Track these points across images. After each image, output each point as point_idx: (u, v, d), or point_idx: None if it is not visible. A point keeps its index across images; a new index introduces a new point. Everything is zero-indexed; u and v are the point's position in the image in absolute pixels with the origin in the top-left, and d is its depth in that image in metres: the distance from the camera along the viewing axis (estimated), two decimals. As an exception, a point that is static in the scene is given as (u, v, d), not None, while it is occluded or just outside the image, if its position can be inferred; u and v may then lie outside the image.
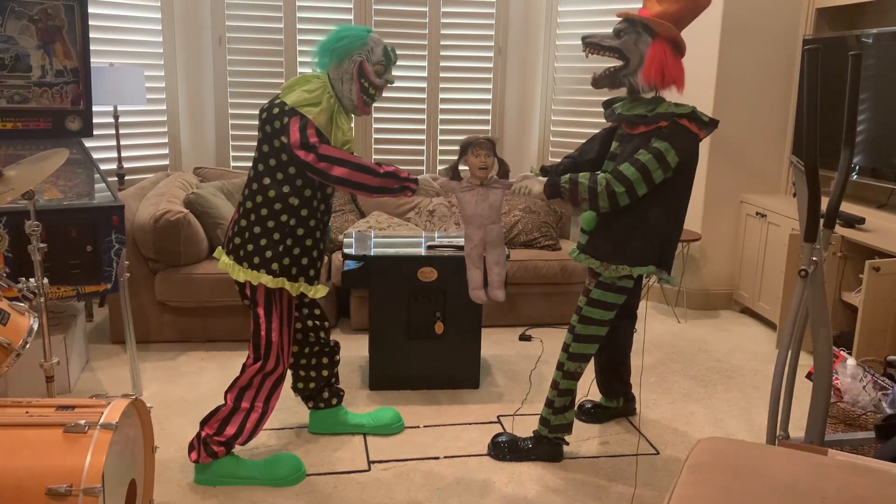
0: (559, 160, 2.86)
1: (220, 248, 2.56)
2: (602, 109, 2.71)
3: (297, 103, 2.35)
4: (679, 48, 2.46)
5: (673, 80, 2.44)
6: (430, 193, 2.54)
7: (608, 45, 2.50)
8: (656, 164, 2.38)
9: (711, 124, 2.47)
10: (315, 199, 2.45)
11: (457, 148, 2.63)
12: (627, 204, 2.43)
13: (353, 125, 2.53)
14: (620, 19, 2.50)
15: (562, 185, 2.46)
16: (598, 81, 2.56)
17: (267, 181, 2.39)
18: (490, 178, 2.53)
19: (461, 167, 2.57)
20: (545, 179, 2.51)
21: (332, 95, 2.42)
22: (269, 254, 2.41)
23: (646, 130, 2.45)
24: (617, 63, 2.51)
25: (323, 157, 2.33)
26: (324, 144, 2.35)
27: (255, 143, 2.46)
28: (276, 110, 2.36)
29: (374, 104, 4.65)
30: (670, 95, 2.49)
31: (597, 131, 2.81)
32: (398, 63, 4.74)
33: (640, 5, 2.56)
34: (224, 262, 2.48)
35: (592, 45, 2.52)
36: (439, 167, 4.98)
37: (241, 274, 2.42)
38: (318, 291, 2.54)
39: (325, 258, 3.98)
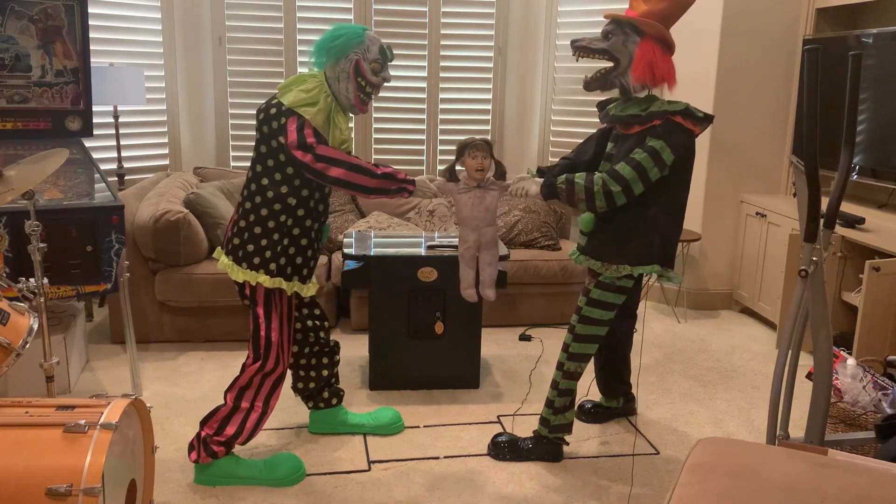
0: (557, 160, 2.86)
1: (219, 248, 2.56)
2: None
3: (294, 103, 2.35)
4: (668, 46, 2.47)
5: (664, 78, 2.46)
6: (428, 195, 2.54)
7: (597, 48, 2.51)
8: (651, 162, 2.39)
9: (706, 119, 2.47)
10: (312, 199, 2.45)
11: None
12: (625, 203, 2.44)
13: (351, 125, 2.52)
14: (608, 21, 2.50)
15: (558, 185, 2.46)
16: (590, 84, 2.57)
17: (265, 182, 2.39)
18: (487, 179, 2.54)
19: (458, 168, 2.58)
20: (542, 180, 2.51)
21: (329, 94, 2.41)
22: (268, 254, 2.41)
23: (640, 130, 2.45)
24: (607, 65, 2.52)
25: (320, 158, 2.33)
26: (321, 145, 2.35)
27: (254, 144, 2.46)
28: (273, 111, 2.36)
29: (374, 103, 4.61)
30: (665, 93, 2.49)
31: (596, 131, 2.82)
32: (398, 63, 4.81)
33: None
34: (223, 262, 2.49)
35: (581, 48, 2.54)
36: (439, 167, 4.98)
37: (241, 274, 2.43)
38: (310, 289, 2.56)
39: (323, 257, 4.01)
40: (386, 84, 2.53)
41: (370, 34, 2.45)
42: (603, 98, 2.70)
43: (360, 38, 2.41)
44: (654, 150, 2.39)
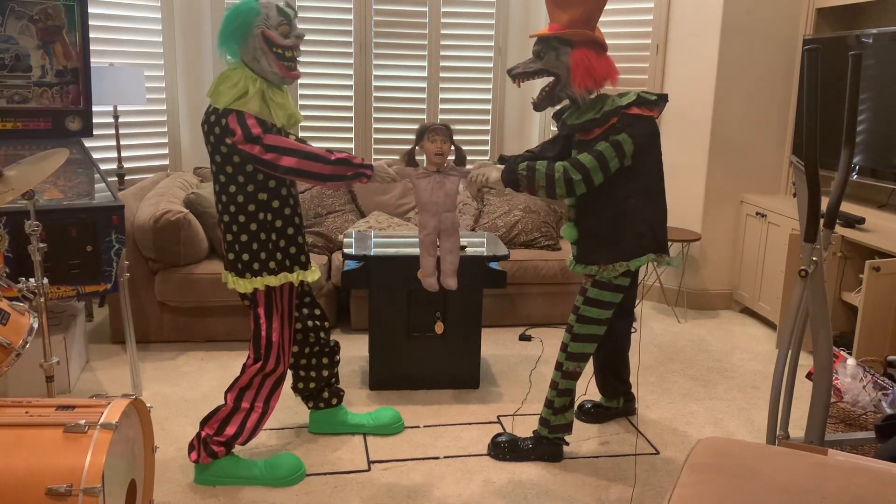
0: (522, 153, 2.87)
1: (224, 271, 2.53)
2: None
3: (227, 103, 2.32)
4: (600, 45, 2.49)
5: (605, 78, 2.48)
6: (386, 180, 2.47)
7: (533, 70, 2.54)
8: (613, 152, 2.42)
9: (661, 100, 2.51)
10: (283, 187, 2.45)
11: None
12: (603, 202, 2.47)
13: (290, 97, 2.47)
14: (535, 41, 2.53)
15: (519, 172, 2.48)
16: (539, 105, 2.60)
17: (233, 189, 2.38)
18: (447, 165, 2.52)
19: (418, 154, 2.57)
20: (503, 167, 2.52)
21: (255, 79, 2.36)
22: (263, 255, 2.41)
23: (601, 132, 2.48)
24: (549, 79, 2.54)
25: (269, 148, 2.30)
26: (269, 134, 2.31)
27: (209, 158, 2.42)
28: (212, 118, 2.34)
29: (374, 103, 4.58)
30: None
31: None
32: (398, 63, 4.81)
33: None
34: (231, 281, 2.47)
35: (519, 74, 2.58)
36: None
37: (248, 285, 2.43)
38: (313, 273, 2.56)
39: (323, 257, 4.01)
40: (302, 40, 2.42)
41: (263, 1, 2.37)
42: (557, 108, 2.72)
43: (255, 11, 2.35)
44: (617, 141, 2.43)
